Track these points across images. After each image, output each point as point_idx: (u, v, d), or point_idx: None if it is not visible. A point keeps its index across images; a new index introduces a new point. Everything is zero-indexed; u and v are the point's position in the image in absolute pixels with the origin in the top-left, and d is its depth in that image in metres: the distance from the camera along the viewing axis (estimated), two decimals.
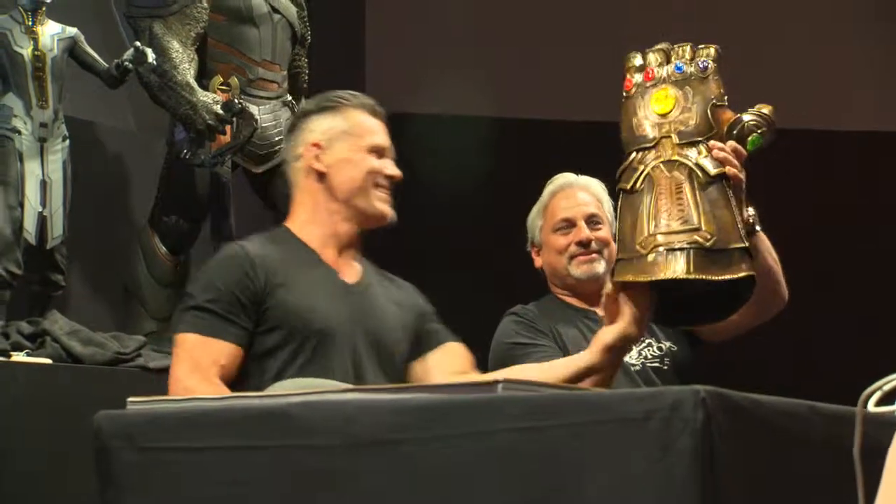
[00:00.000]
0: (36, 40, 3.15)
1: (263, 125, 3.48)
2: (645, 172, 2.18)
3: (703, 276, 2.11)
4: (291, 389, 2.03)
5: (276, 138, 3.54)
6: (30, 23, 3.16)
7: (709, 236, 2.12)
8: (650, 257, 2.12)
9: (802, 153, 4.86)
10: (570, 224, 2.77)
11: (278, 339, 2.23)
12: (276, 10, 3.59)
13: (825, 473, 1.62)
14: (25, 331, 3.00)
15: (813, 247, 4.71)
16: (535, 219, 2.85)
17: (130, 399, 1.86)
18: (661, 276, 2.11)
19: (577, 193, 2.80)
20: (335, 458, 1.68)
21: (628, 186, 2.19)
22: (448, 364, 2.35)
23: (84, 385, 2.88)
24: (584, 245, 2.75)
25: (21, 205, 3.09)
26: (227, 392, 2.17)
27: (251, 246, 2.29)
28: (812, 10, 5.29)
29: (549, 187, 2.85)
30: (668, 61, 2.26)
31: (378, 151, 2.35)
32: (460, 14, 5.17)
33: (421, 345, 2.37)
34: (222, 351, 2.22)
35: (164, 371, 3.01)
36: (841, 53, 5.28)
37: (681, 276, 2.10)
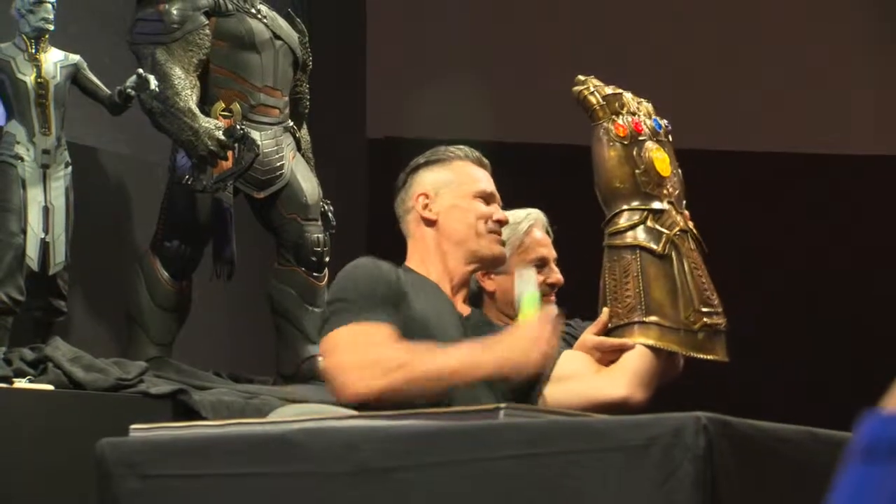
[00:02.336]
0: (39, 67, 3.16)
1: (265, 151, 3.49)
2: (669, 239, 2.22)
3: (725, 360, 2.21)
4: (293, 416, 2.03)
5: (278, 164, 3.54)
6: (33, 50, 3.17)
7: (725, 319, 2.24)
8: (700, 335, 2.18)
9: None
10: (543, 263, 2.77)
11: None
12: (277, 37, 3.60)
13: (827, 501, 1.62)
14: (28, 357, 3.00)
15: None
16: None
17: (133, 426, 1.87)
18: (711, 356, 2.20)
19: (535, 232, 2.81)
20: (337, 484, 1.68)
21: (658, 249, 2.21)
22: (573, 365, 2.35)
23: (86, 411, 2.88)
24: (552, 287, 2.76)
25: (24, 231, 3.10)
26: (409, 345, 2.14)
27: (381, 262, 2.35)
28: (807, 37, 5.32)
29: (526, 222, 2.81)
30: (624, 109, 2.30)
31: (485, 197, 2.42)
32: (461, 38, 5.19)
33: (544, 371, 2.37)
34: (382, 331, 2.19)
35: (166, 397, 3.03)
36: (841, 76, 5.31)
37: (721, 360, 2.19)
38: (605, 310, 2.29)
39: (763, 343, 4.65)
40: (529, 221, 2.82)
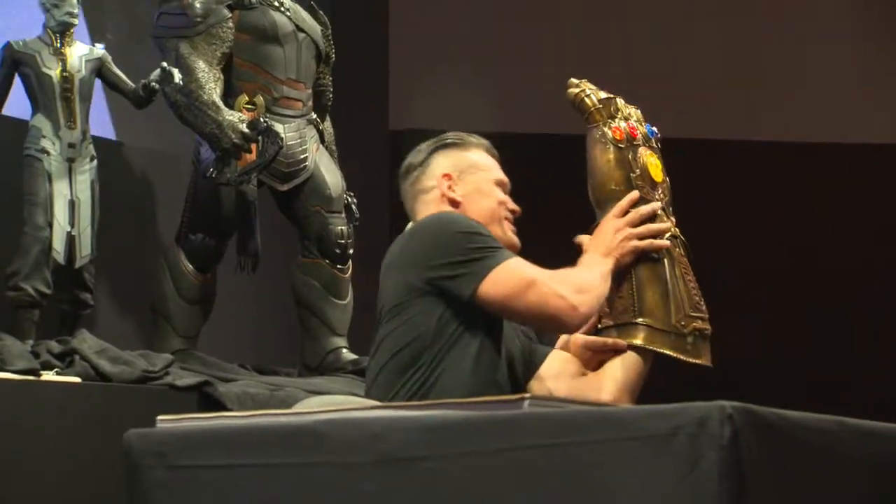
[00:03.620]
0: (64, 62, 3.18)
1: (289, 143, 3.50)
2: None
3: (710, 365, 2.26)
4: (319, 406, 2.04)
5: (301, 156, 3.55)
6: (58, 44, 3.19)
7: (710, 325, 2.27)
8: (689, 339, 2.20)
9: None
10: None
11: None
12: (300, 29, 3.61)
13: (856, 491, 1.61)
14: (55, 350, 3.02)
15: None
16: None
17: (160, 417, 1.88)
18: (699, 361, 2.22)
19: None
20: (363, 474, 1.68)
21: (650, 256, 2.24)
22: (557, 366, 2.39)
23: (113, 403, 2.89)
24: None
25: (50, 224, 3.12)
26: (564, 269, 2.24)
27: None
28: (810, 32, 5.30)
29: None
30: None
31: (502, 186, 2.46)
32: (484, 29, 5.19)
33: (533, 364, 2.43)
34: (529, 263, 2.26)
35: (192, 389, 3.04)
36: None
37: (707, 364, 2.22)
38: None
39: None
40: None
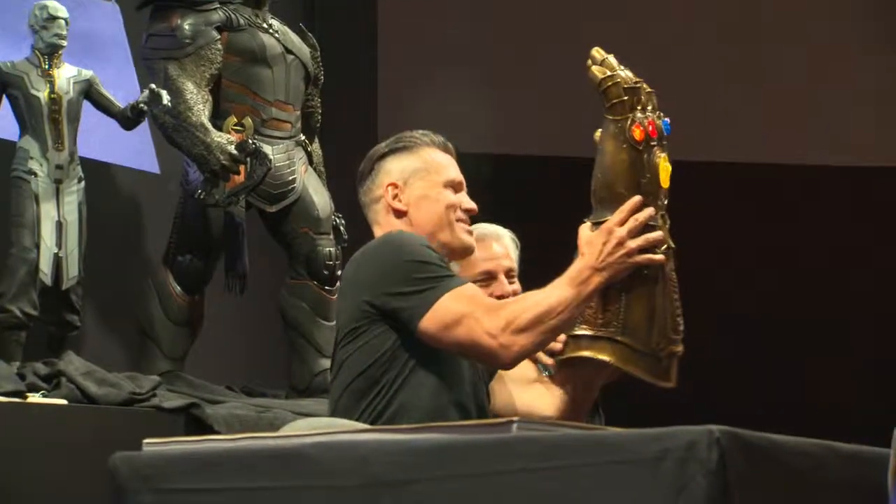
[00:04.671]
0: (52, 83, 3.18)
1: (277, 165, 3.50)
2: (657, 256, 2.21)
3: (673, 386, 2.22)
4: (305, 430, 2.03)
5: (290, 178, 3.55)
6: (46, 66, 3.19)
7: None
8: (664, 362, 2.19)
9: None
10: (490, 277, 2.70)
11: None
12: (289, 51, 3.62)
13: None
14: (41, 371, 3.01)
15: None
16: None
17: (146, 441, 1.87)
18: (668, 385, 2.20)
19: (492, 245, 2.74)
20: (351, 498, 1.68)
21: (647, 269, 2.19)
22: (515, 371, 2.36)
23: (99, 426, 2.88)
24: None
25: (37, 246, 3.11)
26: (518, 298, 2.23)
27: None
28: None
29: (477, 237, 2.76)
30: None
31: (453, 186, 2.40)
32: (474, 54, 5.20)
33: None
34: (476, 290, 2.24)
35: (179, 411, 3.03)
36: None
37: (671, 386, 2.21)
38: None
39: None
40: (479, 237, 2.62)
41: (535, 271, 2.74)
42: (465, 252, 2.41)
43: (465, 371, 2.27)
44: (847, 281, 5.15)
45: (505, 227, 2.80)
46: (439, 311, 2.16)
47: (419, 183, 2.37)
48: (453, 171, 2.41)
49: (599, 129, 2.24)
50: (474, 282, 2.62)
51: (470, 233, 2.39)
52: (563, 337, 2.25)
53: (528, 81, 5.16)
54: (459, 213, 2.38)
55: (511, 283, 2.73)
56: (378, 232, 2.40)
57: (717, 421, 1.53)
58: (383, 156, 2.41)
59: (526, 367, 2.37)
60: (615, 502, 1.53)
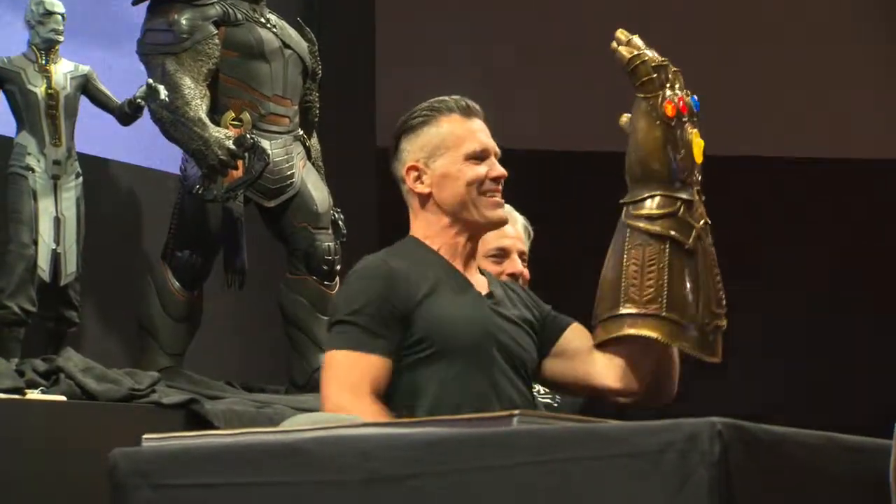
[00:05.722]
0: (49, 79, 3.17)
1: (275, 160, 3.49)
2: (697, 233, 2.19)
3: (719, 360, 2.21)
4: (307, 424, 2.02)
5: (288, 172, 3.55)
6: (43, 61, 3.18)
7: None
8: (710, 337, 2.18)
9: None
10: (503, 254, 2.68)
11: (426, 351, 2.21)
12: (287, 46, 3.61)
13: None
14: (40, 368, 3.01)
15: None
16: None
17: (145, 436, 1.87)
18: (714, 360, 2.19)
19: (520, 228, 2.74)
20: (352, 493, 1.67)
21: (689, 244, 2.18)
22: (578, 342, 2.32)
23: (99, 422, 2.88)
24: (513, 278, 2.65)
25: (35, 242, 3.10)
26: (378, 407, 2.16)
27: (392, 258, 2.28)
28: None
29: None
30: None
31: (476, 157, 2.31)
32: (473, 48, 5.20)
33: (548, 341, 2.34)
34: (371, 364, 2.19)
35: (179, 407, 3.03)
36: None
37: (717, 361, 2.20)
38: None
39: None
40: None
41: (532, 269, 2.75)
42: (496, 227, 2.35)
43: (473, 370, 2.23)
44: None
45: None
46: (324, 362, 2.25)
47: (440, 161, 2.30)
48: (475, 140, 2.31)
49: (625, 115, 2.24)
50: (487, 257, 2.65)
51: (499, 204, 2.31)
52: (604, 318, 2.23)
53: (528, 81, 5.16)
54: (487, 184, 2.29)
55: (524, 265, 2.71)
56: (411, 214, 2.36)
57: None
58: (402, 132, 2.35)
59: (586, 339, 2.31)
60: (617, 495, 1.52)
